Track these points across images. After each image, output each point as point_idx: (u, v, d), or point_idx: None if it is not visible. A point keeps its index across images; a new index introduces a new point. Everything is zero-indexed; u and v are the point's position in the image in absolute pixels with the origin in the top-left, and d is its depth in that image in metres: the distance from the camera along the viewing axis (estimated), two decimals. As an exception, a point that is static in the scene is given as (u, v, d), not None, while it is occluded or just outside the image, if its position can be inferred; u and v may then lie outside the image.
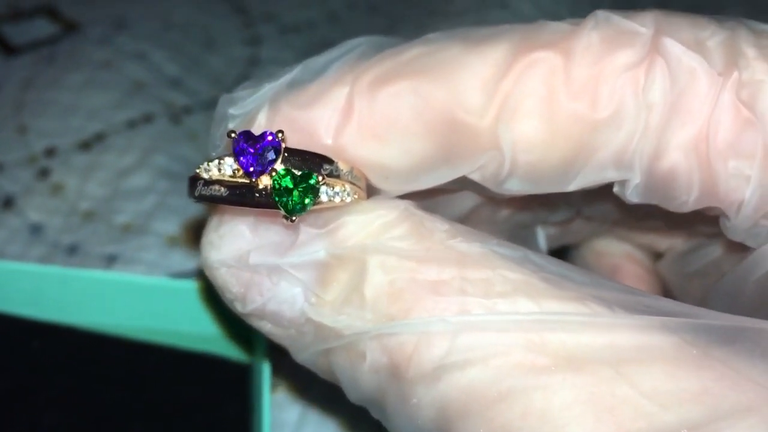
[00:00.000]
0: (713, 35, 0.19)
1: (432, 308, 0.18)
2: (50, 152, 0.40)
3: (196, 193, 0.19)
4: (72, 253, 0.36)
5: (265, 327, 0.21)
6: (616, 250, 0.29)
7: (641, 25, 0.19)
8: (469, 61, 0.19)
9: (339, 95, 0.19)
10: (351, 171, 0.20)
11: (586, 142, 0.19)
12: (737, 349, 0.17)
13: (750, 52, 0.18)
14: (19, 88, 0.43)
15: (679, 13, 0.19)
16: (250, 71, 0.47)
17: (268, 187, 0.19)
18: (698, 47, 0.19)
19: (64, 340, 0.30)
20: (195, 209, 0.38)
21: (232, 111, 0.20)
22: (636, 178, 0.19)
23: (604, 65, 0.19)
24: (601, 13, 0.19)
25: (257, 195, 0.19)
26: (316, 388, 0.32)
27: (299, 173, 0.19)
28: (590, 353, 0.17)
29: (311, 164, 0.19)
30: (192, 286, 0.31)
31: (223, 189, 0.19)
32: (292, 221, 0.19)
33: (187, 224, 0.38)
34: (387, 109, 0.19)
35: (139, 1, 0.50)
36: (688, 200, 0.20)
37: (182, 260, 0.36)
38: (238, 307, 0.20)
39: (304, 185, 0.19)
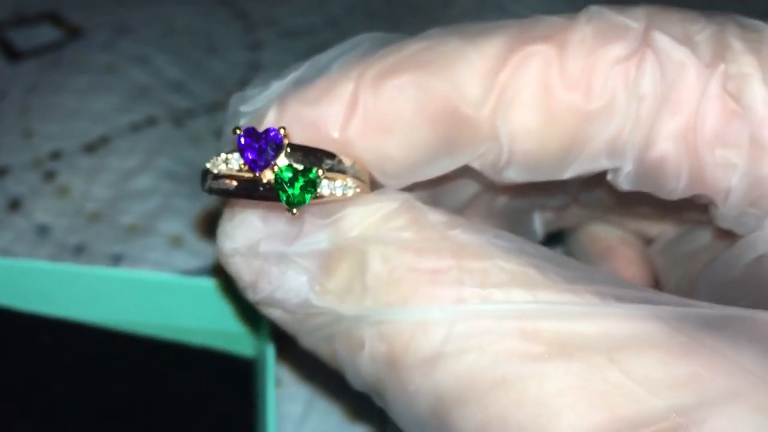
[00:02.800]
0: (702, 30, 0.19)
1: (429, 297, 0.18)
2: (56, 155, 0.41)
3: (206, 187, 0.20)
4: (79, 253, 0.37)
5: (275, 314, 0.21)
6: (610, 234, 0.29)
7: (633, 20, 0.19)
8: (468, 54, 0.20)
9: (344, 91, 0.20)
10: (353, 165, 0.20)
11: (580, 132, 0.20)
12: (726, 337, 0.17)
13: (737, 45, 0.19)
14: (24, 93, 0.44)
15: (670, 8, 0.20)
16: (251, 75, 0.47)
17: (272, 181, 0.19)
18: (687, 41, 0.19)
19: (74, 336, 0.31)
20: (199, 210, 0.39)
21: (242, 108, 0.21)
22: (628, 166, 0.20)
23: (597, 58, 0.19)
24: (594, 8, 0.20)
25: (261, 188, 0.20)
26: (320, 381, 0.32)
27: (300, 167, 0.19)
28: (583, 341, 0.17)
29: (313, 159, 0.20)
30: (197, 282, 0.31)
31: (230, 182, 0.20)
32: (293, 213, 0.19)
33: (197, 219, 0.39)
34: (391, 103, 0.20)
35: (141, 6, 0.50)
36: (677, 188, 0.20)
37: (187, 259, 0.37)
38: (250, 295, 0.21)
39: (305, 179, 0.19)
